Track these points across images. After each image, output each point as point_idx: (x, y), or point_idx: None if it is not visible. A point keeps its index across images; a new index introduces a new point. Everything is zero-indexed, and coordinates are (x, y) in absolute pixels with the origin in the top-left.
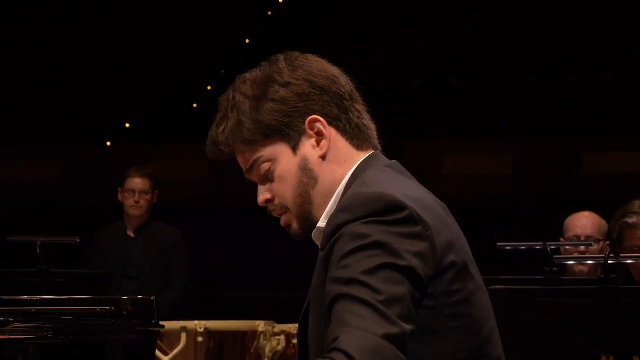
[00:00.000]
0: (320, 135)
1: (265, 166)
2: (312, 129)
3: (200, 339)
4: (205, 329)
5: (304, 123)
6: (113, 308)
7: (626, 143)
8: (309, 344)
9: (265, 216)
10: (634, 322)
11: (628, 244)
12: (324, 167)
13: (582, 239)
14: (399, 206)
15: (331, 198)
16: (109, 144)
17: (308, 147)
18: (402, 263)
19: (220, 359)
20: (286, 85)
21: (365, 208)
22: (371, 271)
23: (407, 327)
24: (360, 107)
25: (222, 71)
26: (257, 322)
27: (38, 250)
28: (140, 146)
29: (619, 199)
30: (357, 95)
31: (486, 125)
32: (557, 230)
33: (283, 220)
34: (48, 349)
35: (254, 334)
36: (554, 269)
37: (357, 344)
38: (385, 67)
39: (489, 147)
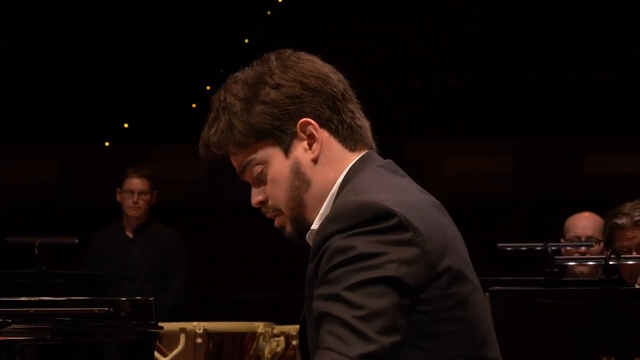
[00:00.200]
0: (312, 138)
1: (258, 169)
2: (303, 131)
3: (199, 340)
4: (204, 330)
5: (295, 126)
6: (111, 309)
7: (626, 143)
8: (310, 351)
9: (264, 217)
10: (635, 323)
11: (617, 245)
12: (316, 170)
13: (583, 239)
14: (387, 213)
15: (324, 200)
16: (107, 144)
17: (300, 150)
18: (387, 274)
19: None
20: (277, 87)
21: (354, 217)
22: (353, 286)
23: (388, 340)
24: (354, 106)
25: (221, 71)
26: (257, 324)
27: (36, 251)
28: (139, 146)
29: (620, 200)
30: (350, 93)
31: (486, 125)
32: (557, 231)
33: (277, 222)
34: (46, 350)
35: (253, 335)
36: (555, 269)
37: None
38: (385, 67)
39: (489, 147)
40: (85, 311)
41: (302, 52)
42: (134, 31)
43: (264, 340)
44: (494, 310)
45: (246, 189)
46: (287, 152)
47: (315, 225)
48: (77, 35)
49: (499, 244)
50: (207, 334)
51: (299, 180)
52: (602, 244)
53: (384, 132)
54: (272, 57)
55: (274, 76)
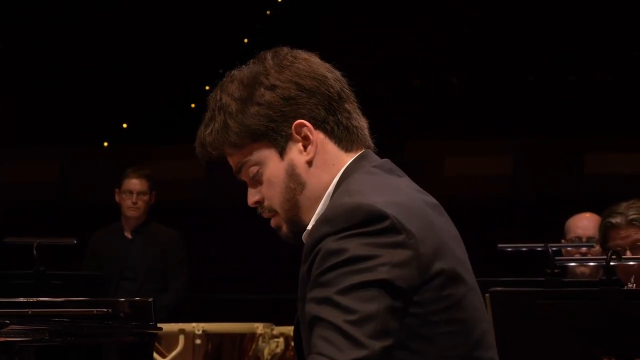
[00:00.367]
0: (306, 140)
1: (253, 170)
2: (298, 133)
3: (198, 341)
4: (203, 331)
5: (290, 127)
6: (110, 310)
7: (627, 143)
8: (304, 353)
9: (263, 216)
10: (635, 324)
11: (612, 244)
12: (311, 172)
13: (584, 240)
14: (380, 216)
15: (320, 202)
16: (106, 144)
17: (295, 152)
18: (379, 277)
19: None
20: (272, 88)
21: (346, 220)
22: (345, 290)
23: (379, 345)
24: (350, 105)
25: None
26: (256, 324)
27: (34, 252)
28: (139, 146)
29: (620, 200)
30: (347, 92)
31: (486, 125)
32: (557, 231)
33: (273, 222)
34: (45, 351)
35: (253, 336)
36: (555, 270)
37: None
38: (385, 67)
39: (489, 147)
40: (84, 312)
41: (299, 51)
42: (133, 31)
43: (263, 341)
44: (494, 311)
45: (246, 190)
46: (282, 153)
47: (311, 226)
48: (77, 36)
49: (499, 245)
50: (206, 335)
51: (294, 182)
52: None
53: (384, 132)
54: (269, 56)
55: (269, 77)
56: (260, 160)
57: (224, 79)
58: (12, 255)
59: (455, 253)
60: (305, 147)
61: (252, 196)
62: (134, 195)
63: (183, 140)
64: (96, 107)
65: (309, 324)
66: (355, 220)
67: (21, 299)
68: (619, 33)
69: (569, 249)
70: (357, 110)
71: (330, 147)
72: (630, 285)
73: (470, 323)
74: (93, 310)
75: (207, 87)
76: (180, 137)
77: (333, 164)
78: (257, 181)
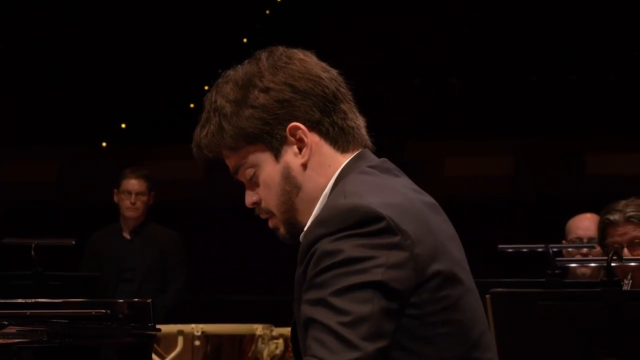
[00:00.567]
0: (301, 143)
1: (250, 172)
2: (293, 136)
3: (197, 342)
4: (203, 332)
5: (285, 130)
6: (109, 311)
7: (628, 144)
8: (301, 354)
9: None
10: (636, 326)
11: (610, 241)
12: (307, 174)
13: (585, 240)
14: (375, 217)
15: (316, 203)
16: (104, 144)
17: (290, 154)
18: (373, 278)
19: None
20: (266, 90)
21: (341, 221)
22: (340, 291)
23: (372, 347)
24: (346, 105)
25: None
26: (255, 326)
27: (32, 253)
28: (138, 147)
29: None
30: (343, 91)
31: (487, 125)
32: (557, 231)
33: (270, 224)
34: (43, 352)
35: (252, 338)
36: (556, 271)
37: None
38: (385, 67)
39: (489, 147)
40: (83, 313)
41: (295, 50)
42: (132, 31)
43: (262, 343)
44: (495, 312)
45: (245, 190)
46: (277, 156)
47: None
48: (76, 36)
49: (500, 246)
50: (205, 336)
51: (290, 184)
52: None
53: (384, 132)
54: (263, 56)
55: (263, 79)
56: (256, 162)
57: (220, 80)
58: (10, 256)
59: (452, 254)
60: (300, 149)
61: (250, 197)
62: (133, 195)
63: (182, 140)
64: (95, 107)
65: (304, 326)
66: (351, 221)
67: (19, 300)
68: (620, 33)
69: (569, 249)
70: (354, 110)
71: (326, 148)
72: (627, 282)
73: (467, 324)
74: (92, 311)
75: (206, 87)
76: (179, 137)
77: (329, 166)
78: (254, 183)
